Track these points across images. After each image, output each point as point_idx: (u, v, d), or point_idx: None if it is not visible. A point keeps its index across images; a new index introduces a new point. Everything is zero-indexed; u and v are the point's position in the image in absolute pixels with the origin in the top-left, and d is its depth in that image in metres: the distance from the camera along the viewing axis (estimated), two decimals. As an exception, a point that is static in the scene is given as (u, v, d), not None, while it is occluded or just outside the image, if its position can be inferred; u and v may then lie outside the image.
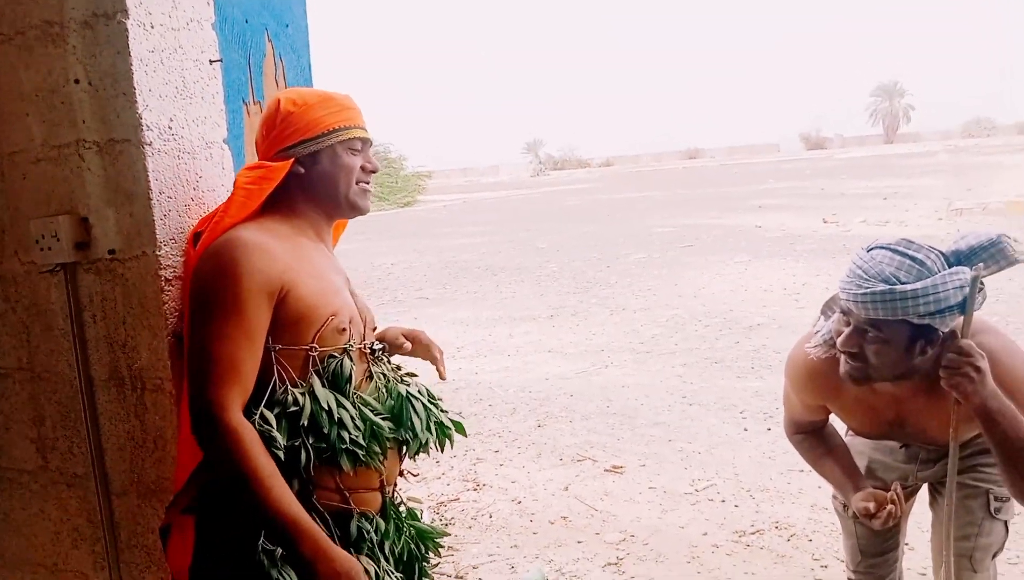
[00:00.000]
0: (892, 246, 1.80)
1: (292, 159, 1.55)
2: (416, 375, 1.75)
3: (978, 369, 1.71)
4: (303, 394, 1.46)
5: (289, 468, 1.43)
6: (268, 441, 1.39)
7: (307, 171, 1.57)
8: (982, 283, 1.77)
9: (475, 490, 4.18)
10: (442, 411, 1.71)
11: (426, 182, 33.09)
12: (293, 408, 1.44)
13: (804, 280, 9.12)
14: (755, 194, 21.22)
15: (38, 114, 1.76)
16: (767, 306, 8.10)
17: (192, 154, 1.76)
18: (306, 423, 1.44)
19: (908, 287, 1.72)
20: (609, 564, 3.35)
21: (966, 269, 1.75)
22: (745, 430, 4.81)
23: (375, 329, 1.71)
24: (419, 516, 1.75)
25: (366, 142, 1.64)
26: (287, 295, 1.46)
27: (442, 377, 1.80)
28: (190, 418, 1.43)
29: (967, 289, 1.73)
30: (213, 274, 1.44)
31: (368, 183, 1.64)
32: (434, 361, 1.81)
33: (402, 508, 1.71)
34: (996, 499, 2.07)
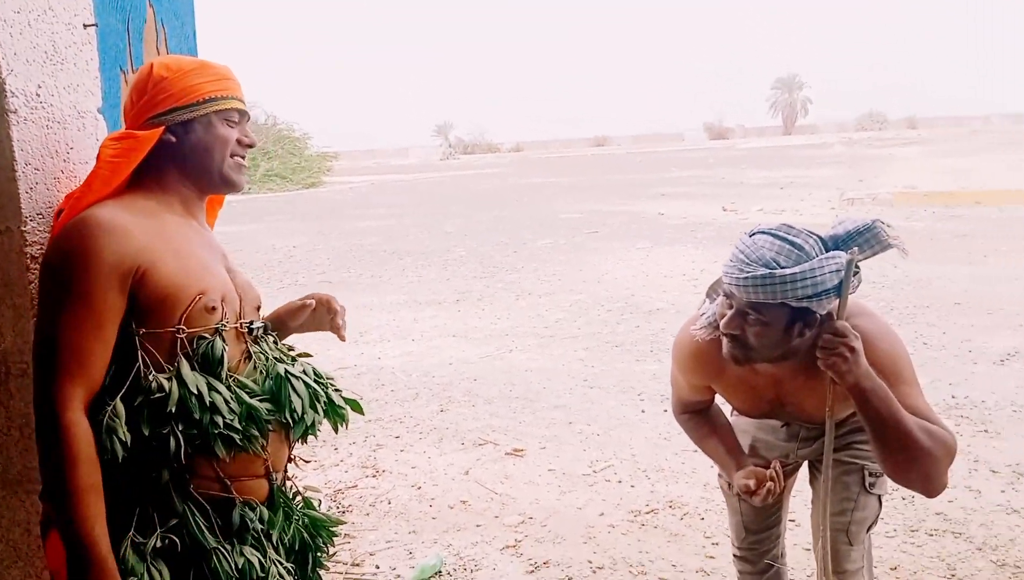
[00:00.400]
0: (773, 231, 1.85)
1: (163, 127, 1.47)
2: (310, 355, 1.69)
3: (852, 349, 1.77)
4: (169, 379, 1.38)
5: (159, 457, 1.37)
6: (111, 433, 1.33)
7: (178, 140, 1.49)
8: (858, 267, 1.83)
9: (374, 476, 4.14)
10: (335, 390, 1.64)
11: (332, 163, 32.46)
12: (159, 394, 1.37)
13: (703, 266, 9.36)
14: (659, 182, 21.64)
15: None
16: (667, 291, 8.28)
17: (62, 123, 1.66)
18: (174, 409, 1.36)
19: (787, 271, 1.77)
20: (507, 547, 3.37)
21: (842, 253, 1.81)
22: (643, 412, 4.91)
23: (259, 308, 1.62)
24: (315, 505, 1.69)
25: (243, 114, 1.57)
26: (144, 275, 1.38)
27: (342, 339, 1.71)
28: (34, 411, 1.37)
29: (843, 272, 1.79)
30: (60, 258, 1.37)
31: (244, 157, 1.56)
32: (334, 320, 1.69)
33: (297, 499, 1.64)
34: (871, 475, 2.17)
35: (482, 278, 9.57)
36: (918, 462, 1.82)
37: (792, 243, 1.81)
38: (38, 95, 1.64)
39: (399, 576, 3.16)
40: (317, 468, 4.23)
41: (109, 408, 1.35)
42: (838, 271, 1.78)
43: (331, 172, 31.62)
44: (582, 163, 33.99)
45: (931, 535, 3.31)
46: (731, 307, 1.89)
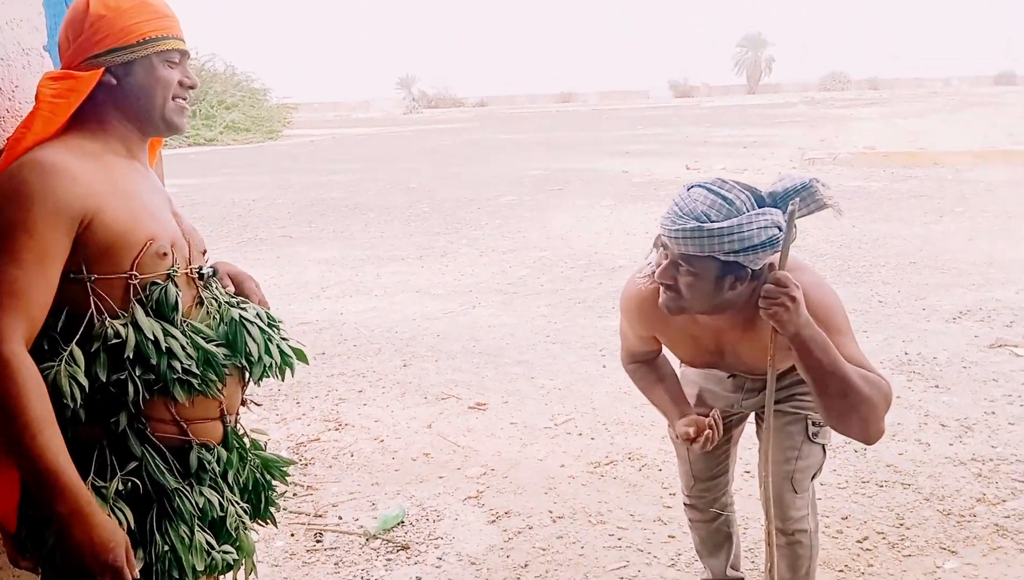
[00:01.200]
0: (708, 185, 1.89)
1: (102, 68, 1.44)
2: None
3: (794, 298, 1.81)
4: (124, 325, 1.39)
5: (116, 402, 1.39)
6: (70, 378, 1.33)
7: (119, 82, 1.46)
8: (795, 224, 1.87)
9: (336, 430, 4.14)
10: (283, 338, 1.64)
11: (293, 115, 31.86)
12: (115, 341, 1.37)
13: (666, 224, 9.40)
14: (624, 139, 21.62)
15: None
16: (629, 249, 8.32)
17: (6, 60, 1.61)
18: (131, 355, 1.37)
19: (715, 225, 1.81)
20: (469, 498, 3.41)
21: (775, 210, 1.86)
22: (604, 367, 4.96)
23: (204, 252, 1.63)
24: (263, 447, 1.72)
25: (184, 54, 1.53)
26: (92, 221, 1.37)
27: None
28: None
29: (773, 229, 1.84)
30: (7, 196, 1.34)
31: (185, 99, 1.54)
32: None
33: (246, 439, 1.67)
34: (814, 424, 2.23)
35: (445, 234, 9.53)
36: (857, 408, 1.87)
37: (724, 198, 1.85)
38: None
39: (362, 526, 3.18)
40: (279, 421, 4.22)
41: (65, 354, 1.34)
42: (766, 227, 1.83)
43: (292, 124, 31.06)
44: (547, 119, 33.79)
45: (881, 486, 3.41)
46: (666, 257, 1.93)
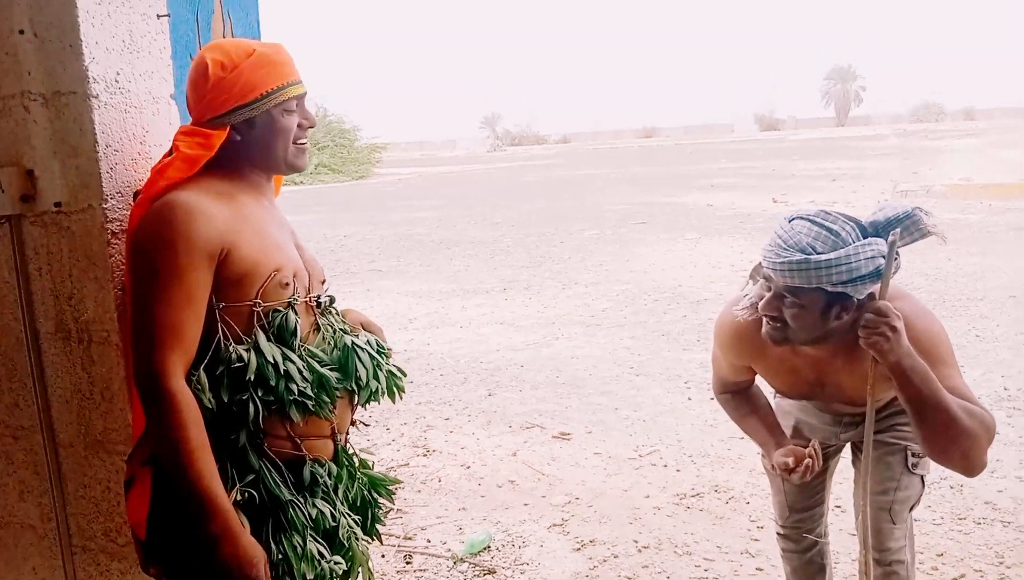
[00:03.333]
0: (811, 217, 1.88)
1: (227, 127, 1.54)
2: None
3: (894, 329, 1.79)
4: (247, 350, 1.48)
5: (238, 420, 1.48)
6: (198, 402, 1.42)
7: (243, 137, 1.55)
8: (898, 253, 1.86)
9: (425, 455, 4.24)
10: (390, 362, 1.73)
11: (381, 155, 32.79)
12: (238, 364, 1.47)
13: (751, 257, 9.26)
14: (708, 173, 21.46)
15: (-18, 65, 1.74)
16: (714, 282, 8.26)
17: (139, 108, 1.77)
18: (252, 378, 1.46)
19: (823, 257, 1.80)
20: (554, 525, 3.44)
21: (879, 240, 1.84)
22: (689, 399, 4.93)
23: (324, 282, 1.72)
24: (371, 466, 1.80)
25: (301, 98, 1.61)
26: (228, 255, 1.47)
27: None
28: (136, 383, 1.45)
29: (879, 259, 1.82)
30: (152, 240, 1.45)
31: (305, 140, 1.63)
32: None
33: (355, 458, 1.74)
34: (913, 455, 2.18)
35: (529, 268, 9.64)
36: (958, 441, 1.83)
37: (828, 229, 1.84)
38: (117, 81, 1.74)
39: (449, 550, 3.25)
40: (372, 446, 4.34)
41: (194, 378, 1.45)
42: (873, 257, 1.81)
43: (380, 163, 31.93)
44: (630, 154, 33.81)
45: (979, 523, 3.30)
46: (769, 289, 1.93)
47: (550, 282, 8.77)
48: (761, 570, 3.03)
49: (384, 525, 1.82)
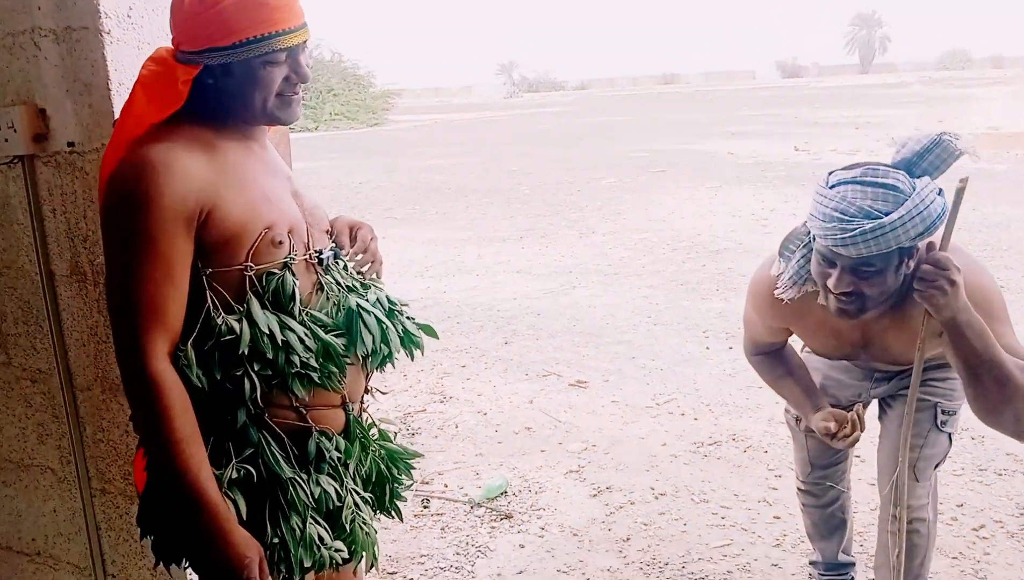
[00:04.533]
0: (857, 179, 1.75)
1: (198, 66, 1.34)
2: (377, 281, 1.62)
3: (953, 282, 1.68)
4: (239, 320, 1.33)
5: (234, 398, 1.35)
6: (185, 380, 1.30)
7: (216, 82, 1.36)
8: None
9: (441, 402, 4.25)
10: (408, 318, 1.57)
11: (397, 102, 32.52)
12: (229, 337, 1.32)
13: (772, 206, 9.19)
14: (729, 121, 21.14)
15: (-10, 0, 1.70)
16: (735, 231, 8.17)
17: (153, 44, 1.71)
18: (246, 351, 1.32)
19: (895, 217, 1.68)
20: (571, 471, 3.45)
21: (926, 177, 1.75)
22: (707, 349, 4.90)
23: (328, 231, 1.55)
24: (391, 438, 1.66)
25: (295, 48, 1.38)
26: (210, 215, 1.31)
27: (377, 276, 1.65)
28: (117, 361, 1.33)
29: (940, 198, 1.72)
30: (122, 204, 1.29)
31: (295, 93, 1.42)
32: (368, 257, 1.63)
33: (373, 430, 1.61)
34: (943, 412, 2.13)
35: (546, 216, 9.57)
36: (1012, 401, 1.73)
37: (884, 185, 1.72)
38: (129, 16, 1.69)
39: (466, 495, 3.26)
40: (388, 393, 4.35)
41: (180, 354, 1.31)
42: (935, 198, 1.71)
43: (395, 110, 31.69)
44: (649, 101, 33.33)
45: (1000, 475, 3.27)
46: (833, 265, 1.80)
47: (567, 230, 8.71)
48: (778, 518, 3.03)
49: (405, 501, 1.69)
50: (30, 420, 1.95)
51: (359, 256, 1.61)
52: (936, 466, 2.20)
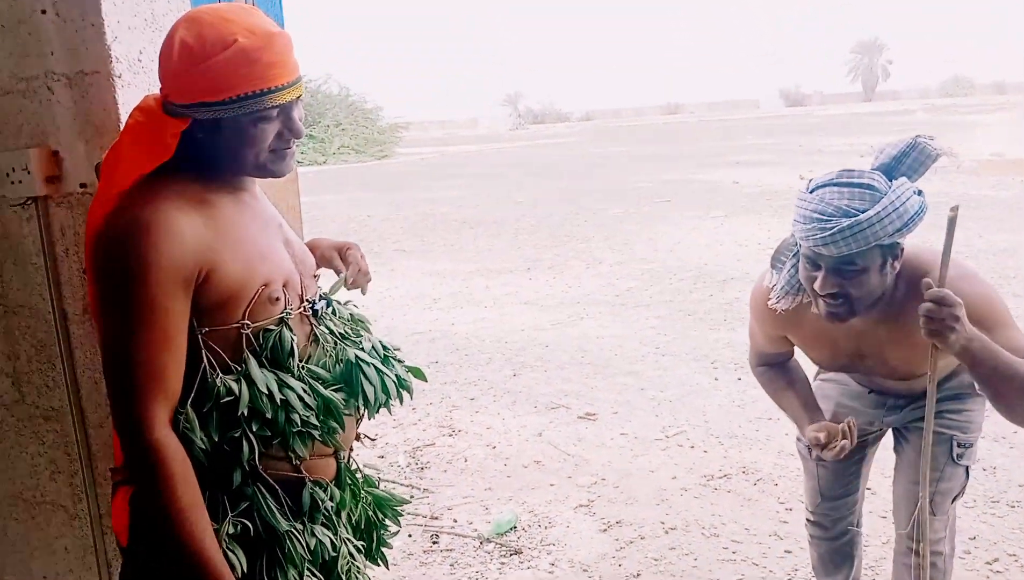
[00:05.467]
0: (834, 181, 1.83)
1: (186, 121, 1.30)
2: (366, 321, 1.61)
3: (957, 318, 1.70)
4: (236, 380, 1.31)
5: (232, 460, 1.32)
6: (188, 443, 1.27)
7: (205, 136, 1.32)
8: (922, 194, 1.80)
9: (451, 435, 4.24)
10: (398, 362, 1.56)
11: (403, 134, 32.76)
12: (228, 398, 1.29)
13: (779, 235, 9.15)
14: (733, 150, 21.23)
15: (4, 45, 1.73)
16: (741, 260, 8.18)
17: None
18: (245, 412, 1.29)
19: (871, 213, 1.74)
20: (580, 506, 3.43)
21: (906, 180, 1.79)
22: (716, 379, 4.89)
23: (316, 275, 1.53)
24: (376, 483, 1.66)
25: (288, 104, 1.34)
26: (208, 277, 1.28)
27: (362, 292, 1.67)
28: (116, 432, 1.30)
29: (918, 197, 1.77)
30: (117, 269, 1.25)
31: (288, 148, 1.38)
32: (358, 281, 1.64)
33: (359, 475, 1.61)
34: (959, 445, 2.12)
35: (552, 247, 9.60)
36: None
37: (860, 185, 1.79)
38: (139, 60, 1.72)
39: (476, 530, 3.25)
40: (396, 426, 4.36)
41: (181, 417, 1.29)
42: (912, 195, 1.76)
43: (402, 142, 31.93)
44: (653, 132, 33.52)
45: (1012, 507, 3.25)
46: (818, 268, 1.85)
47: (574, 261, 8.73)
48: (790, 552, 3.00)
49: (391, 548, 1.68)
50: (43, 457, 1.96)
51: (351, 279, 1.62)
52: (954, 499, 2.18)
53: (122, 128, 1.43)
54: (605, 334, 6.01)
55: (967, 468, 2.16)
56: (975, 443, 2.15)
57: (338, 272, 1.64)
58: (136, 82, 1.71)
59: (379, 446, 4.07)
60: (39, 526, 2.02)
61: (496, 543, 3.14)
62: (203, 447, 1.29)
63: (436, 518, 3.36)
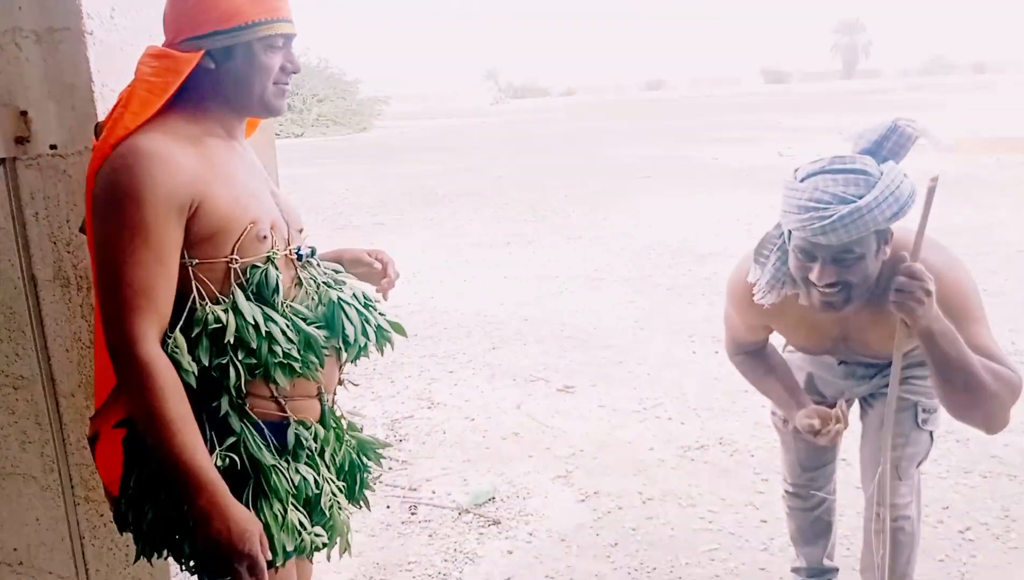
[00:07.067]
0: (825, 168, 1.79)
1: (201, 51, 1.38)
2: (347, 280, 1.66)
3: (928, 292, 1.70)
4: (225, 310, 1.37)
5: (219, 386, 1.38)
6: (175, 364, 1.32)
7: (217, 67, 1.40)
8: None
9: (429, 408, 4.23)
10: (380, 314, 1.62)
11: (383, 108, 32.46)
12: (216, 326, 1.36)
13: (757, 211, 9.22)
14: (714, 126, 21.25)
15: (-30, 1, 1.68)
16: (720, 236, 8.20)
17: (136, 45, 1.68)
18: (232, 340, 1.36)
19: (870, 198, 1.70)
20: (558, 477, 3.44)
21: (892, 163, 1.77)
22: (694, 353, 4.91)
23: (301, 230, 1.58)
24: (359, 429, 1.71)
25: (289, 37, 1.45)
26: (199, 207, 1.34)
27: (384, 299, 1.72)
28: (108, 351, 1.34)
29: (909, 180, 1.75)
30: (115, 193, 1.31)
31: (287, 83, 1.48)
32: (385, 282, 1.73)
33: (343, 420, 1.66)
34: (924, 411, 2.14)
35: (532, 222, 9.58)
36: (982, 403, 1.78)
37: (853, 171, 1.76)
38: (112, 17, 1.68)
39: (454, 501, 3.25)
40: (375, 398, 4.34)
41: (170, 340, 1.34)
42: (904, 179, 1.75)
43: (381, 116, 31.65)
44: (635, 107, 33.45)
45: (985, 477, 3.29)
46: (814, 259, 1.81)
47: (554, 236, 8.72)
48: (766, 522, 3.03)
49: (373, 491, 1.73)
50: (12, 427, 1.93)
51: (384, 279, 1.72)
52: (918, 464, 2.21)
53: (116, 82, 1.48)
54: (584, 308, 6.01)
55: (931, 433, 2.19)
56: (939, 409, 2.17)
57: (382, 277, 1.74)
58: (109, 40, 1.67)
59: (358, 419, 4.05)
60: (9, 497, 1.99)
61: (474, 514, 3.14)
62: (190, 369, 1.34)
63: (414, 489, 3.36)
